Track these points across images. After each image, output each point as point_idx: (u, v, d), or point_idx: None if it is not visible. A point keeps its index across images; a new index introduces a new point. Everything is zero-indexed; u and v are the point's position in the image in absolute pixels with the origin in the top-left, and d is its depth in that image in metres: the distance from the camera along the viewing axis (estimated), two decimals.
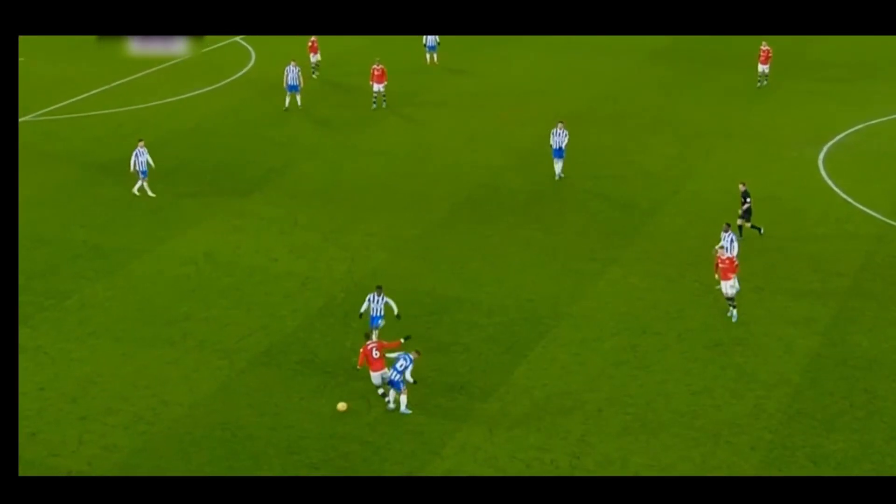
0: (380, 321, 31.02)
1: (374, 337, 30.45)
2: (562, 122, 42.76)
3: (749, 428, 27.85)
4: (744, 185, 37.53)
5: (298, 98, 49.56)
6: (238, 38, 59.31)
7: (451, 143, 46.69)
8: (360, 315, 31.26)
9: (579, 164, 43.79)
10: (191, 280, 35.41)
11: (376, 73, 49.18)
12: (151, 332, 32.32)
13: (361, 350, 28.99)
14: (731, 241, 34.06)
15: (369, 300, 31.11)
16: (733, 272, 32.22)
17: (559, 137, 42.15)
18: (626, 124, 48.51)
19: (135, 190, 41.32)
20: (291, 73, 49.47)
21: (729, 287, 32.26)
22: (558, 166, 42.31)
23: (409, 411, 28.38)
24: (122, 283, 35.19)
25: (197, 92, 52.40)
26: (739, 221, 37.10)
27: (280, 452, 27.06)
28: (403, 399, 28.37)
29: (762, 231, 37.26)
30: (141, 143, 41.49)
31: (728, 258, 32.39)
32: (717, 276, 32.64)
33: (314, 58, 53.53)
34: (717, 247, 34.10)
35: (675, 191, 41.70)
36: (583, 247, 37.44)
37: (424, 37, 56.05)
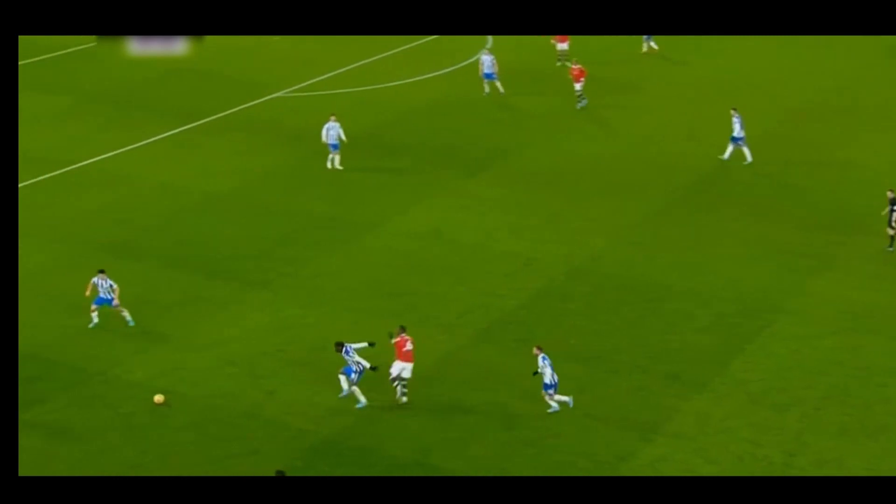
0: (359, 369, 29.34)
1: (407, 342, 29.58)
2: (734, 108, 42.90)
3: None
4: (892, 191, 36.07)
5: (499, 85, 50.49)
6: None
7: (669, 132, 46.74)
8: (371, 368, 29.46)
9: (800, 158, 43.20)
10: (417, 255, 37.01)
11: (575, 71, 49.76)
12: (378, 303, 34.01)
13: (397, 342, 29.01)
14: None
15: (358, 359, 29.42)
16: None
17: (736, 125, 42.63)
18: (852, 120, 47.35)
19: (337, 165, 42.97)
20: (486, 62, 50.62)
21: None
22: (746, 152, 42.68)
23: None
24: (354, 255, 37.11)
25: (429, 75, 54.06)
26: (891, 232, 35.77)
27: (495, 427, 28.19)
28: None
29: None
30: (333, 117, 43.34)
31: None
32: None
33: (561, 46, 54.27)
34: None
35: None
36: (802, 242, 37.09)
37: None
